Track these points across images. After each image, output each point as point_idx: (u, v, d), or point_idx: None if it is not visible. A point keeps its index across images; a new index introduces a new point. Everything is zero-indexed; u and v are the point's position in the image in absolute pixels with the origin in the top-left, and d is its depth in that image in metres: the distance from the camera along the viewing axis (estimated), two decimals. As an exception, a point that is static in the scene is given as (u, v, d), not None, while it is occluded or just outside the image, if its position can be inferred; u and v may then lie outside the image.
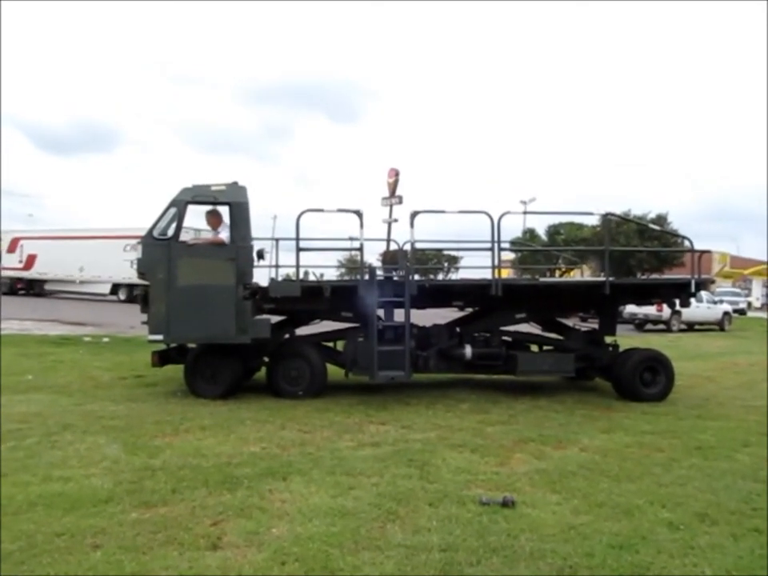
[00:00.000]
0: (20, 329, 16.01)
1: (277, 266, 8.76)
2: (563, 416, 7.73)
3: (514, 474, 5.24)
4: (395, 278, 8.86)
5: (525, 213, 8.52)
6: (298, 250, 8.48)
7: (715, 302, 29.04)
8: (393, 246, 9.43)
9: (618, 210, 42.57)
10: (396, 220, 31.52)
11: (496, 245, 8.68)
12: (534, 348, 10.02)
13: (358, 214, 8.45)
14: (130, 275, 27.50)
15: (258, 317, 8.47)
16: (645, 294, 10.90)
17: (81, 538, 3.74)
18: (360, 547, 3.70)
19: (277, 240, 8.93)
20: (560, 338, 10.02)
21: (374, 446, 5.99)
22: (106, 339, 14.30)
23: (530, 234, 45.89)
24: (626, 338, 21.26)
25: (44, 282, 31.83)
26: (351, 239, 11.00)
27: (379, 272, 8.76)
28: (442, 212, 9.06)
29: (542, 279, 10.49)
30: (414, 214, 8.54)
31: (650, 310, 26.20)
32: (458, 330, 9.52)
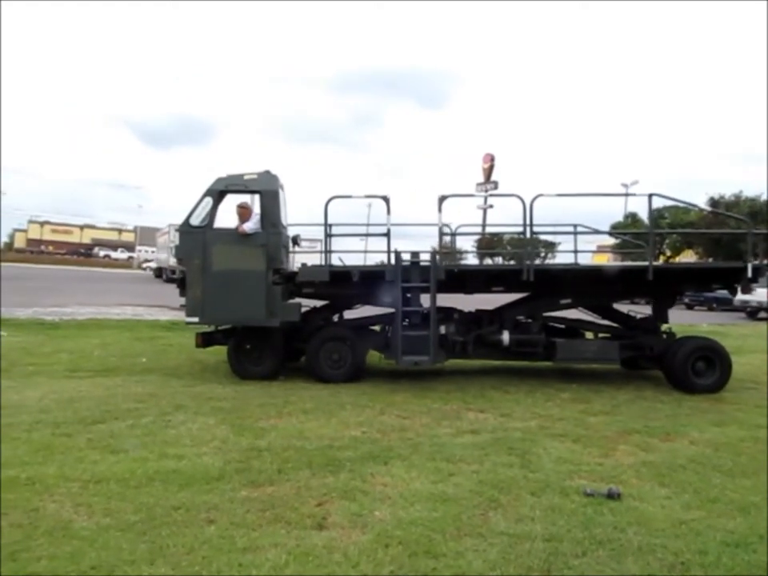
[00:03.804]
0: (133, 314, 16.99)
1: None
2: (670, 407, 7.43)
3: (619, 465, 5.10)
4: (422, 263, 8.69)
5: (558, 195, 8.26)
6: (326, 235, 8.67)
7: (840, 289, 26.99)
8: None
9: (728, 191, 40.50)
10: (491, 206, 31.20)
11: (528, 228, 8.56)
12: (590, 335, 9.66)
13: (385, 199, 8.51)
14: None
15: (289, 301, 8.67)
16: (700, 280, 10.34)
17: (196, 512, 3.94)
18: (462, 533, 3.71)
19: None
20: (613, 325, 9.64)
21: (473, 434, 5.97)
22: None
23: (632, 218, 44.24)
24: (737, 327, 20.19)
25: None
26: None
27: (405, 256, 8.67)
28: (471, 195, 9.06)
29: (584, 264, 10.04)
30: (441, 199, 8.48)
31: (762, 298, 24.72)
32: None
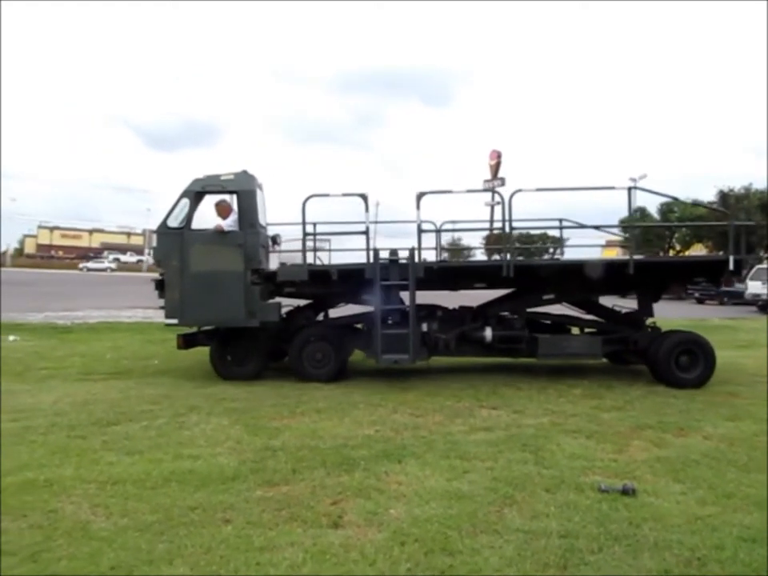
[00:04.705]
0: (144, 317, 17.08)
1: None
2: (683, 402, 7.40)
3: (633, 461, 5.09)
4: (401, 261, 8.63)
5: (537, 189, 8.46)
6: (305, 234, 8.64)
7: None
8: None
9: (738, 184, 40.40)
10: (499, 203, 31.16)
11: (507, 223, 8.54)
12: (576, 330, 9.63)
13: (363, 197, 8.50)
14: None
15: (269, 301, 8.64)
16: (684, 273, 10.29)
17: (212, 512, 3.97)
18: (478, 530, 3.71)
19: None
20: (597, 319, 9.59)
21: (486, 431, 5.97)
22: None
23: (641, 212, 44.06)
24: (748, 321, 20.08)
25: None
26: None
27: (383, 254, 8.61)
28: (449, 192, 9.03)
29: (565, 258, 9.99)
30: (419, 196, 8.45)
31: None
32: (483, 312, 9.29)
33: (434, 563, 3.32)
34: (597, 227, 9.96)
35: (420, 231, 8.59)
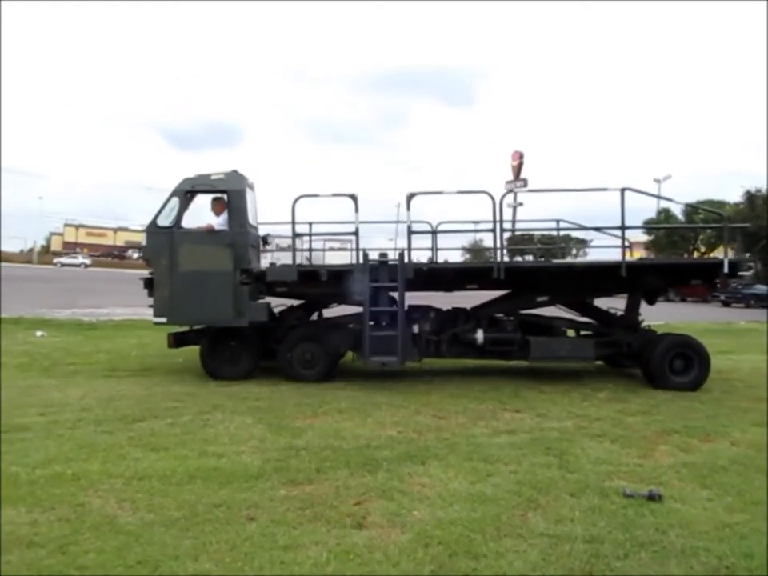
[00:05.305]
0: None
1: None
2: (710, 407, 7.31)
3: (659, 466, 5.03)
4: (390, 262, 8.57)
5: (530, 191, 8.67)
6: (294, 235, 8.67)
7: None
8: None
9: (766, 184, 39.97)
10: (521, 203, 31.03)
11: (498, 225, 8.48)
12: (571, 333, 9.53)
13: (353, 197, 8.47)
14: None
15: (258, 301, 8.61)
16: (678, 276, 10.10)
17: (237, 510, 3.99)
18: (502, 534, 3.69)
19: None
20: (591, 321, 9.49)
21: (509, 434, 5.94)
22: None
23: (665, 213, 43.67)
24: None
25: None
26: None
27: (374, 255, 8.57)
28: (440, 193, 8.94)
29: (555, 261, 9.85)
30: (409, 197, 8.43)
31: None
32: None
33: (458, 566, 3.31)
34: (597, 229, 9.85)
35: (410, 232, 8.58)
